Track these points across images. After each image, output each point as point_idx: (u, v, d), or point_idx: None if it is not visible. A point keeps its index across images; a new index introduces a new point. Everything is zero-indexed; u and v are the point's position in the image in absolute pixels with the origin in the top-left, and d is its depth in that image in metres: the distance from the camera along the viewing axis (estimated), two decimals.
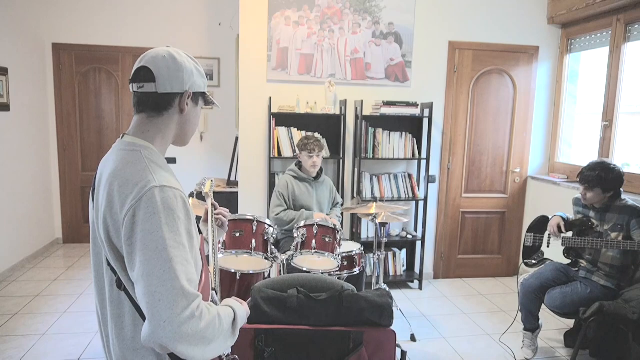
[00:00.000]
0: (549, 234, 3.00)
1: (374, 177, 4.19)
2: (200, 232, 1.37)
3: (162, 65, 1.15)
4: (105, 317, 1.17)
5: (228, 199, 4.31)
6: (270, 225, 2.58)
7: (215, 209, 1.69)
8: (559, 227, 2.90)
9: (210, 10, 5.15)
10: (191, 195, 2.76)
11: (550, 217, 3.06)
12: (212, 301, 1.26)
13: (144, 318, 1.03)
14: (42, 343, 3.08)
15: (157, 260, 0.99)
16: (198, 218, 1.55)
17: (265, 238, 2.55)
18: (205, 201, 1.80)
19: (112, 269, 1.10)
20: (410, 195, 4.23)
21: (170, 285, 0.98)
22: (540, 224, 3.13)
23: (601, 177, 2.69)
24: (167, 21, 5.08)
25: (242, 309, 1.25)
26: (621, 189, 2.80)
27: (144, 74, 1.14)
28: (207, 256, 1.51)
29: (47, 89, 5.07)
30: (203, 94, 1.26)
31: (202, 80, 1.24)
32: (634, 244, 2.56)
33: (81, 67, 5.08)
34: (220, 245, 2.51)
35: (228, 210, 1.77)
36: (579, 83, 4.40)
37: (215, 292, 1.35)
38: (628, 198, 2.82)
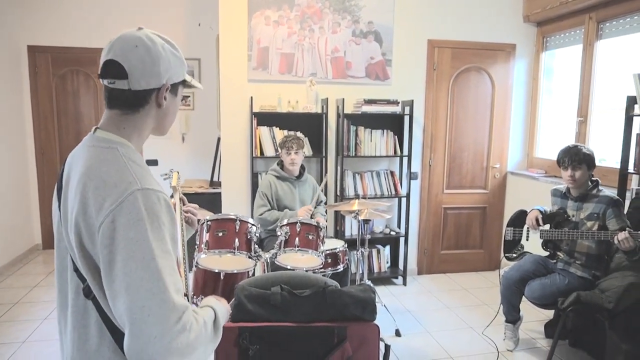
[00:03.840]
0: (528, 228, 3.07)
1: (356, 174, 4.22)
2: None
3: (135, 58, 1.02)
4: (65, 326, 1.08)
5: (211, 199, 4.29)
6: (253, 224, 2.57)
7: (183, 204, 1.56)
8: (537, 220, 2.96)
9: (189, 11, 5.11)
10: (171, 196, 2.73)
11: (528, 211, 3.13)
12: None
13: (110, 330, 0.98)
14: (23, 351, 3.03)
15: (145, 272, 0.91)
16: None
17: (249, 237, 2.54)
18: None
19: (80, 276, 1.01)
20: (393, 192, 4.27)
21: (160, 298, 0.91)
22: (519, 218, 3.19)
23: (585, 154, 2.77)
24: (146, 21, 5.02)
25: (222, 307, 1.18)
26: (599, 180, 2.89)
27: (115, 70, 1.01)
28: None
29: (23, 92, 4.97)
30: (182, 82, 1.14)
31: (182, 66, 1.12)
32: (607, 234, 2.63)
33: (58, 70, 5.00)
34: (203, 246, 2.50)
35: (197, 206, 1.65)
36: (554, 80, 4.50)
37: (187, 297, 1.26)
38: (604, 189, 2.90)
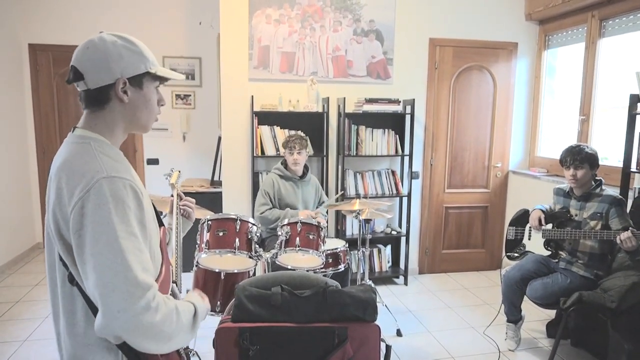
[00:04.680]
0: (530, 227, 3.05)
1: (357, 174, 4.21)
2: (162, 225, 1.35)
3: (86, 59, 1.10)
4: (57, 313, 1.14)
5: (212, 199, 4.28)
6: (253, 224, 2.57)
7: (180, 199, 1.66)
8: (539, 220, 2.95)
9: (190, 10, 5.10)
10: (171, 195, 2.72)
11: (530, 210, 3.11)
12: (171, 294, 1.24)
13: (95, 313, 1.02)
14: (24, 349, 3.03)
15: (109, 252, 0.98)
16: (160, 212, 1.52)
17: (249, 237, 2.54)
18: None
19: (65, 264, 1.08)
20: (394, 191, 4.25)
21: (124, 275, 0.97)
22: (522, 217, 3.18)
23: (588, 153, 2.75)
24: (147, 21, 5.02)
25: (202, 304, 1.24)
26: (602, 179, 2.87)
27: (73, 74, 1.11)
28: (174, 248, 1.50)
29: (24, 91, 4.96)
30: (146, 74, 1.16)
31: (140, 59, 1.14)
32: (610, 233, 2.61)
33: (59, 68, 4.99)
34: (204, 245, 2.49)
35: (194, 201, 1.74)
36: (556, 78, 4.48)
37: (176, 284, 1.34)
38: (607, 188, 2.88)
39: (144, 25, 5.01)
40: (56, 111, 5.07)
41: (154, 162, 5.22)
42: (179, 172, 1.94)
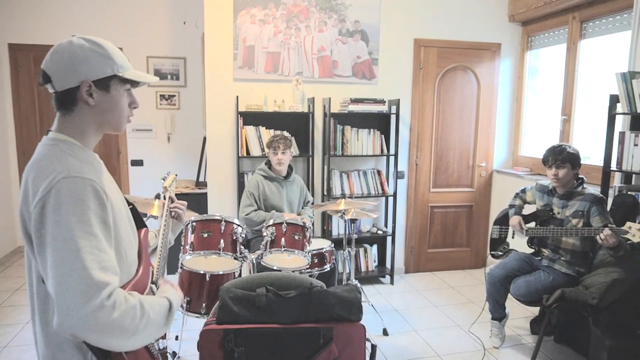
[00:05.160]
0: (514, 230, 3.09)
1: (343, 174, 4.21)
2: (144, 226, 1.36)
3: (53, 62, 1.13)
4: (33, 313, 1.16)
5: (197, 200, 4.25)
6: (238, 225, 2.56)
7: (172, 202, 1.69)
8: (520, 225, 2.99)
9: (174, 9, 5.06)
10: (157, 196, 2.70)
11: (510, 213, 3.15)
12: (147, 293, 1.26)
13: None
14: (4, 356, 2.96)
15: (65, 251, 0.99)
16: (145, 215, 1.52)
17: (234, 238, 2.52)
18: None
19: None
20: (380, 191, 4.27)
21: (78, 274, 0.98)
22: (506, 216, 3.22)
23: (569, 153, 2.80)
24: (130, 20, 4.96)
25: (176, 295, 1.26)
26: (584, 178, 2.92)
27: (42, 76, 1.13)
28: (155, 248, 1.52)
29: (4, 92, 4.87)
30: (114, 78, 1.17)
31: (107, 62, 1.15)
32: (591, 230, 2.66)
33: (40, 68, 4.89)
34: (188, 247, 2.47)
35: (185, 203, 1.77)
36: (539, 79, 4.54)
37: (156, 285, 1.34)
38: (589, 187, 2.93)
39: (128, 25, 4.96)
40: (37, 112, 4.98)
41: (138, 163, 5.16)
42: (175, 175, 1.96)
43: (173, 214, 1.69)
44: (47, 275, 1.01)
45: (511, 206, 3.16)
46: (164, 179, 1.87)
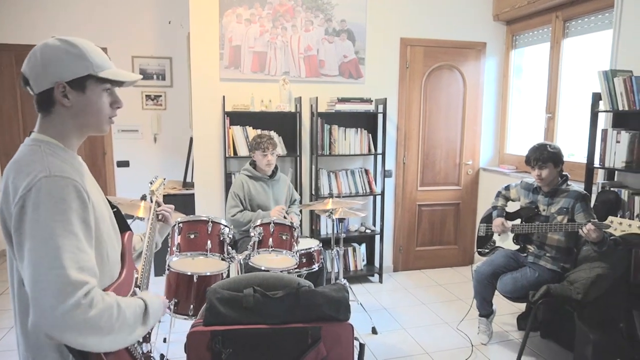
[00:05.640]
0: (498, 233, 3.13)
1: (331, 173, 4.21)
2: (129, 229, 1.35)
3: (31, 64, 1.12)
4: (15, 315, 1.16)
5: (184, 201, 4.22)
6: (226, 226, 2.54)
7: (158, 206, 1.69)
8: (503, 226, 3.02)
9: (159, 9, 5.01)
10: (143, 198, 2.67)
11: (493, 216, 3.18)
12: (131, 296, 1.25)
13: None
14: None
15: (44, 249, 0.99)
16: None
17: (221, 239, 2.51)
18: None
19: None
20: (368, 190, 4.28)
21: (55, 273, 0.98)
22: (492, 215, 3.24)
23: (550, 152, 2.83)
24: (115, 20, 4.90)
25: (156, 301, 1.25)
26: (568, 175, 2.96)
27: (22, 79, 1.14)
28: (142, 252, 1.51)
29: None
30: (89, 77, 1.14)
31: (81, 62, 1.13)
32: (575, 225, 2.69)
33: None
34: (175, 248, 2.45)
35: (173, 207, 1.76)
36: (523, 77, 4.59)
37: (140, 289, 1.34)
38: (573, 184, 2.97)
39: (113, 24, 4.90)
40: (20, 113, 4.90)
41: (124, 164, 5.11)
42: (164, 179, 1.95)
43: (160, 216, 1.68)
44: (24, 273, 1.00)
45: (494, 207, 3.19)
46: (151, 183, 1.86)
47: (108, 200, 1.33)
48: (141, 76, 1.33)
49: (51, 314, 0.96)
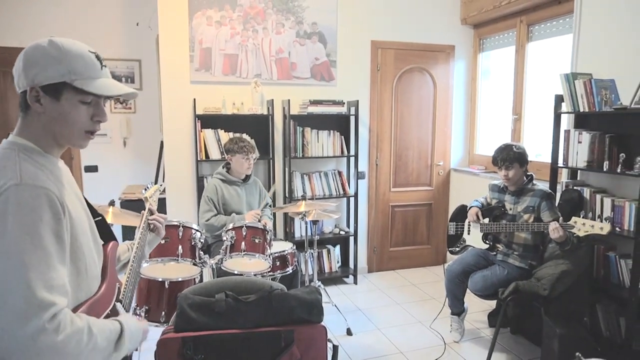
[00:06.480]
0: (469, 222, 3.19)
1: (304, 175, 4.22)
2: (113, 238, 1.28)
3: (17, 64, 1.08)
4: None
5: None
6: (197, 230, 2.52)
7: (151, 214, 1.59)
8: (476, 216, 3.09)
9: (127, 10, 4.91)
10: (111, 203, 2.62)
11: (468, 205, 3.25)
12: (110, 313, 1.17)
13: None
14: None
15: (7, 265, 0.92)
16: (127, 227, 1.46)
17: (193, 243, 2.48)
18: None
19: None
20: (341, 192, 4.30)
21: (20, 293, 0.90)
22: (461, 213, 3.31)
23: (516, 153, 2.92)
24: (82, 21, 4.77)
25: (134, 325, 1.16)
26: (533, 174, 3.05)
27: (12, 77, 1.11)
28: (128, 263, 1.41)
29: None
30: (64, 85, 1.05)
31: (57, 67, 1.05)
32: (541, 225, 2.78)
33: None
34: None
35: (166, 217, 1.67)
36: (491, 79, 4.71)
37: (121, 302, 1.25)
38: (538, 183, 3.07)
39: (79, 26, 4.75)
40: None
41: (92, 169, 4.98)
42: (160, 186, 1.87)
43: (151, 226, 1.58)
44: None
45: (475, 200, 3.26)
46: (145, 189, 1.76)
47: (92, 208, 1.25)
48: (130, 89, 1.18)
49: (10, 337, 0.88)
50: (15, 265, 0.92)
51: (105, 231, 1.27)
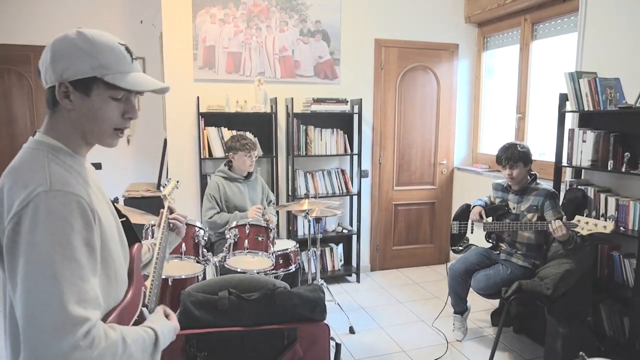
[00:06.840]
0: (472, 221, 3.19)
1: (307, 174, 4.22)
2: (138, 240, 1.22)
3: (43, 57, 1.01)
4: (5, 336, 1.04)
5: (159, 203, 4.14)
6: (200, 228, 2.52)
7: (171, 213, 1.53)
8: (480, 215, 3.08)
9: (130, 7, 4.92)
10: (115, 201, 2.62)
11: (472, 204, 3.24)
12: (137, 319, 1.13)
13: None
14: None
15: (39, 278, 0.86)
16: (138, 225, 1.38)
17: (196, 241, 2.49)
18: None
19: None
20: (344, 190, 4.30)
21: (52, 307, 0.85)
22: (464, 212, 3.31)
23: (520, 152, 2.91)
24: (85, 18, 4.78)
25: (166, 325, 1.13)
26: (537, 174, 3.04)
27: (38, 70, 1.03)
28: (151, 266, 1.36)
29: None
30: (95, 80, 0.99)
31: (87, 61, 0.99)
32: (544, 224, 2.77)
33: None
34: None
35: (186, 216, 1.61)
36: (495, 78, 4.69)
37: (147, 308, 1.21)
38: (542, 182, 3.06)
39: (82, 23, 4.76)
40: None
41: (96, 166, 4.98)
42: (177, 182, 1.80)
43: (172, 226, 1.51)
44: (16, 304, 0.88)
45: (479, 199, 3.25)
46: (163, 186, 1.72)
47: (117, 209, 1.18)
48: (163, 84, 1.10)
49: (45, 354, 0.84)
50: (47, 279, 0.86)
51: (129, 232, 1.20)
